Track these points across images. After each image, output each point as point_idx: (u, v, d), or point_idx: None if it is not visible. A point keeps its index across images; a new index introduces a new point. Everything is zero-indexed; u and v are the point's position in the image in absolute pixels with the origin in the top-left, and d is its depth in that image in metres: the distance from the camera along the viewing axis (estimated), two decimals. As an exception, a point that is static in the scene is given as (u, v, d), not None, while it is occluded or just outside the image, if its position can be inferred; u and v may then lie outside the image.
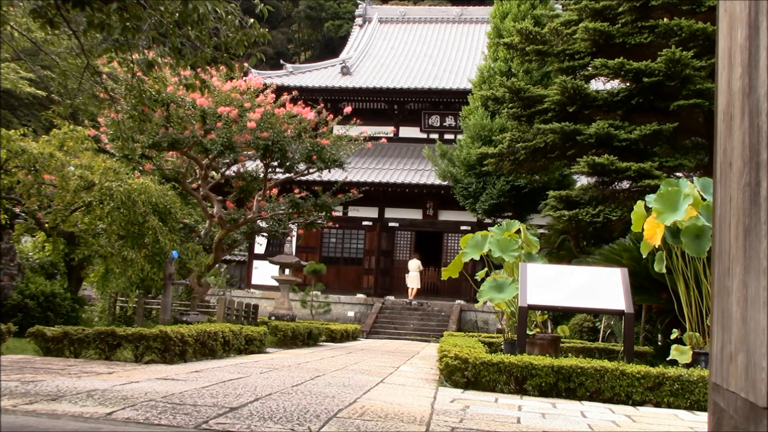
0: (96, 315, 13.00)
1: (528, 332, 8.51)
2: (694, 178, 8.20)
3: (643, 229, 7.98)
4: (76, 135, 12.08)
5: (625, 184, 13.25)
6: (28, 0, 6.49)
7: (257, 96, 13.95)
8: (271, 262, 18.60)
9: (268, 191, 15.31)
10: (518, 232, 9.76)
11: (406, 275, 25.72)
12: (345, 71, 30.29)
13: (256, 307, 14.86)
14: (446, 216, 27.23)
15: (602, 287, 8.18)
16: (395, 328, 23.00)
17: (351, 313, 24.96)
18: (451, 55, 32.71)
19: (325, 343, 15.00)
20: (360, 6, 37.10)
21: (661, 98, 12.69)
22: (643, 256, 8.35)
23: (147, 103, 7.32)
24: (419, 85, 28.96)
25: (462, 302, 24.60)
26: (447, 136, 28.64)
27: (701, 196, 7.66)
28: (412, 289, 25.28)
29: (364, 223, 27.68)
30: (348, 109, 15.08)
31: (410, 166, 27.59)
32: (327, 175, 16.88)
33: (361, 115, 18.97)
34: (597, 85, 15.69)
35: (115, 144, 12.78)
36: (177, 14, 5.56)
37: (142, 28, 5.56)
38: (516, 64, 20.24)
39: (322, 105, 15.51)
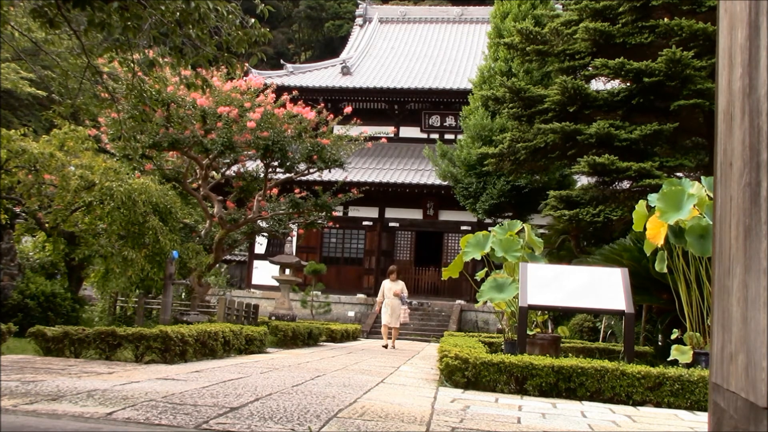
0: (96, 315, 12.99)
1: (528, 332, 8.51)
2: (702, 177, 8.18)
3: (644, 229, 7.97)
4: (77, 135, 12.08)
5: (626, 184, 13.25)
6: (29, 0, 6.49)
7: (257, 96, 13.95)
8: (272, 262, 18.60)
9: (268, 191, 15.31)
10: (521, 232, 9.76)
11: (380, 302, 14.53)
12: (345, 71, 30.30)
13: (256, 307, 14.87)
14: (446, 216, 27.23)
15: (602, 287, 8.18)
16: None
17: (351, 313, 24.96)
18: (452, 55, 32.71)
19: (325, 343, 14.99)
20: (360, 6, 37.11)
21: (662, 98, 12.69)
22: (647, 255, 8.35)
23: (148, 102, 7.33)
24: (419, 85, 28.96)
25: (462, 302, 24.59)
26: (447, 136, 28.65)
27: (708, 196, 7.63)
28: (390, 327, 14.51)
29: (365, 223, 27.68)
30: (348, 109, 15.08)
31: (410, 166, 27.60)
32: (327, 175, 16.88)
33: (362, 115, 18.97)
34: (597, 85, 15.69)
35: (116, 144, 12.79)
36: (178, 13, 5.56)
37: (143, 27, 5.57)
38: (516, 64, 20.24)
39: (323, 105, 15.51)
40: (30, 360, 6.74)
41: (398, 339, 18.48)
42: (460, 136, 24.27)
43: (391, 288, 14.32)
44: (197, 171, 14.78)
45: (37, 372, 5.60)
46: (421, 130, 29.98)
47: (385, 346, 14.12)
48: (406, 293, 14.57)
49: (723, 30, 2.06)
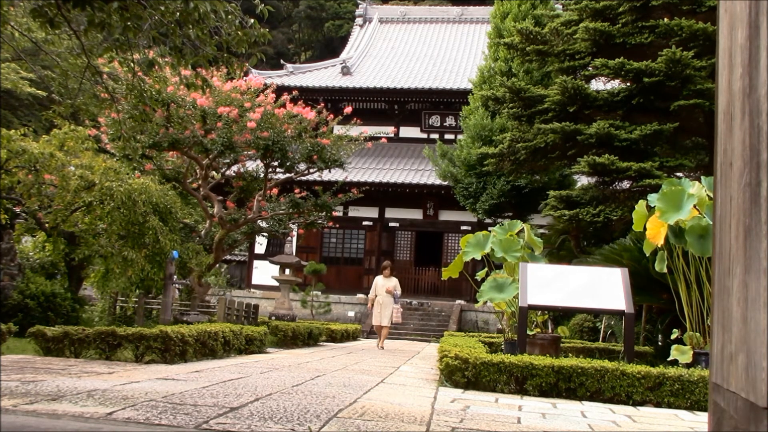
0: (96, 315, 13.00)
1: (528, 332, 8.50)
2: (702, 177, 8.18)
3: (644, 229, 7.97)
4: (77, 135, 12.08)
5: (626, 184, 13.25)
6: (29, 0, 6.50)
7: (257, 96, 13.95)
8: (272, 262, 18.60)
9: (268, 191, 15.31)
10: (521, 232, 9.75)
11: (372, 299, 14.23)
12: (345, 71, 30.30)
13: (256, 307, 14.86)
14: (446, 216, 27.23)
15: (602, 287, 8.18)
16: (395, 328, 22.97)
17: (351, 313, 24.97)
18: (452, 55, 32.72)
19: (325, 343, 14.99)
20: (360, 6, 37.11)
21: (662, 98, 12.69)
22: (647, 255, 8.35)
23: (148, 102, 7.33)
24: (419, 85, 28.97)
25: (462, 302, 24.59)
26: (447, 136, 28.65)
27: (708, 196, 7.63)
28: (381, 327, 14.12)
29: (365, 223, 27.68)
30: (348, 109, 15.07)
31: (410, 166, 27.60)
32: (327, 175, 16.88)
33: (362, 115, 18.96)
34: (597, 85, 15.69)
35: (116, 144, 12.79)
36: (178, 13, 5.56)
37: (143, 27, 5.57)
38: (516, 64, 20.24)
39: (323, 105, 15.50)
40: (30, 360, 6.74)
41: (399, 339, 18.40)
42: (460, 136, 24.28)
43: (384, 285, 13.99)
44: (197, 171, 14.78)
45: (37, 372, 5.60)
46: (421, 130, 29.98)
47: (382, 347, 14.03)
48: (399, 291, 14.16)
49: (723, 30, 2.06)
